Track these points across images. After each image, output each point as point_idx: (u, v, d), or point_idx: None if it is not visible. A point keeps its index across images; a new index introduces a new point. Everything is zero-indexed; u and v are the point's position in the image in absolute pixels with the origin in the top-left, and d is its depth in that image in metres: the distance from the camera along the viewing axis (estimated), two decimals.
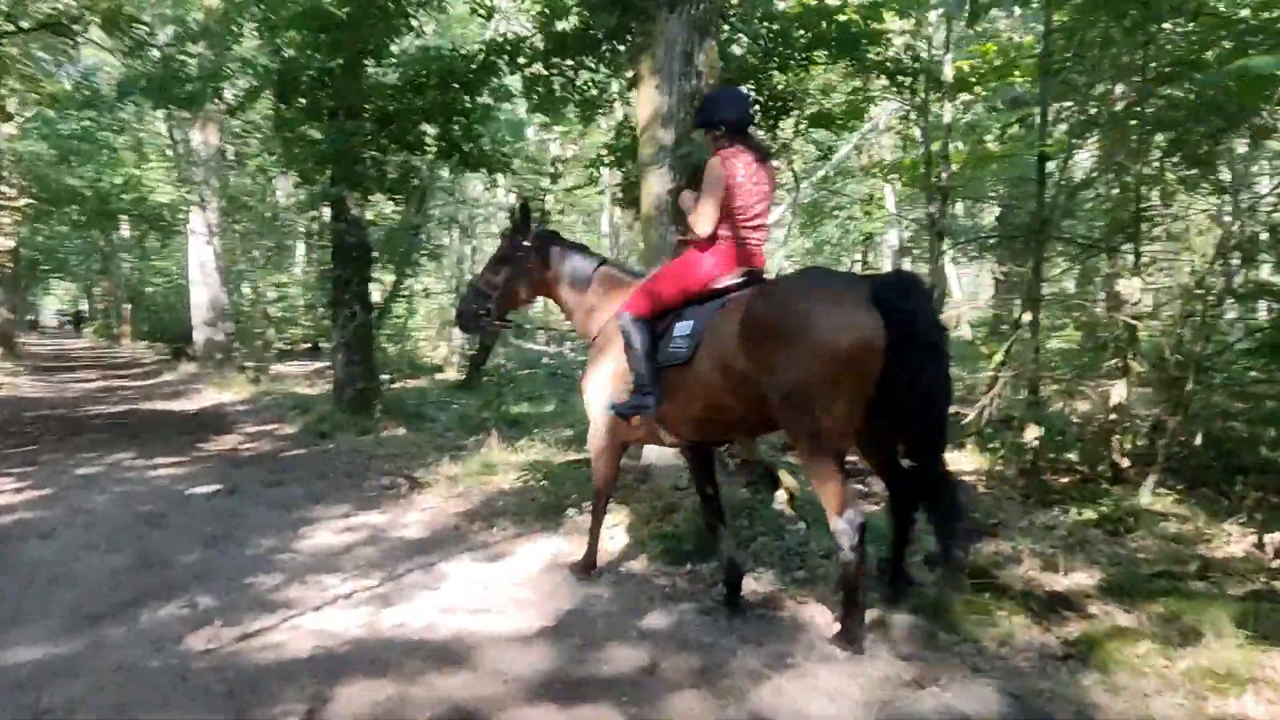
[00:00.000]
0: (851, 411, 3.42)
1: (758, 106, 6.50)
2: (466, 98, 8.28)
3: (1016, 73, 9.26)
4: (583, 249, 4.87)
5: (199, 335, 19.55)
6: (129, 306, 38.11)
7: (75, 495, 6.81)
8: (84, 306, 57.51)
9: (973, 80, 9.35)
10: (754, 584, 4.38)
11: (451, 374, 18.77)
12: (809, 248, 23.02)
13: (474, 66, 7.78)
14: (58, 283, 54.73)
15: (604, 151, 9.27)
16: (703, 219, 4.01)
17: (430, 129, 8.89)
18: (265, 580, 4.71)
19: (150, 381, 18.43)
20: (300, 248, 18.76)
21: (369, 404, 10.40)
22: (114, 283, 39.60)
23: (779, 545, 4.72)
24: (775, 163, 4.57)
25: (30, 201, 25.13)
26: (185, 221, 21.59)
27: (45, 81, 22.63)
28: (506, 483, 6.90)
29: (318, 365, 20.42)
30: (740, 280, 4.02)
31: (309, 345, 21.70)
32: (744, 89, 6.07)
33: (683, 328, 3.99)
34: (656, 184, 5.62)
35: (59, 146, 20.16)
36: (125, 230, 37.96)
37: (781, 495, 5.35)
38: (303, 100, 8.99)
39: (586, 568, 4.62)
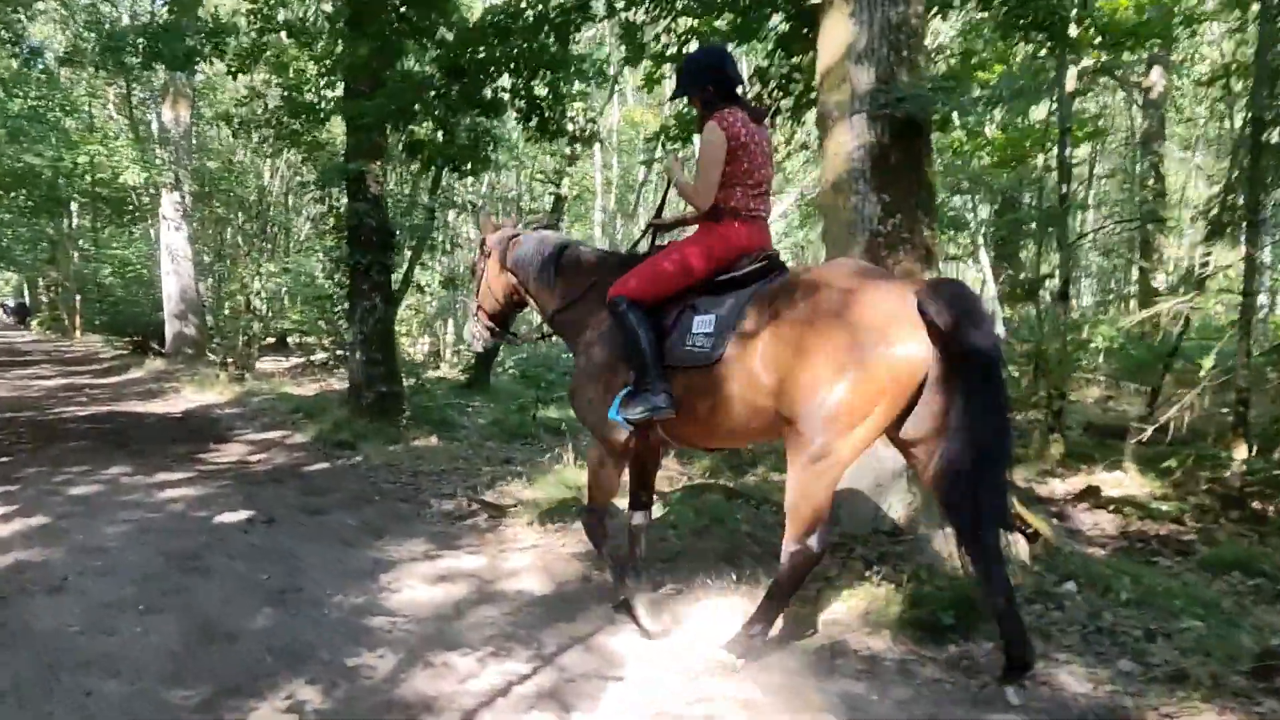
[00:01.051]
0: (873, 434, 3.13)
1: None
2: (556, 47, 7.01)
3: None
4: (546, 231, 4.39)
5: (169, 329, 18.08)
6: (79, 298, 36.08)
7: (78, 526, 5.52)
8: (26, 298, 54.83)
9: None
10: (1070, 680, 3.24)
11: (447, 371, 17.48)
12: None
13: (567, 4, 6.47)
14: None
15: (672, 123, 8.14)
16: (704, 189, 3.58)
17: (508, 85, 7.58)
18: (374, 662, 3.53)
19: (117, 379, 16.85)
20: (289, 233, 17.16)
21: (393, 409, 9.15)
22: (63, 273, 37.47)
23: (1061, 617, 3.62)
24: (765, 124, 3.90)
25: None
26: (152, 206, 20.04)
27: None
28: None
29: (294, 361, 19.00)
30: (760, 265, 3.57)
31: (273, 340, 20.14)
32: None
33: (703, 322, 3.49)
34: (848, 139, 4.50)
35: (5, 126, 18.46)
36: (75, 218, 36.19)
37: (1023, 546, 4.19)
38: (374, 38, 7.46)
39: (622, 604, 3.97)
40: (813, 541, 3.20)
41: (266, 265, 15.70)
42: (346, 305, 9.68)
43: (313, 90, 9.87)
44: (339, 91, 9.75)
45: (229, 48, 8.86)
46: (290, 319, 16.59)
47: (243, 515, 5.91)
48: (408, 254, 11.15)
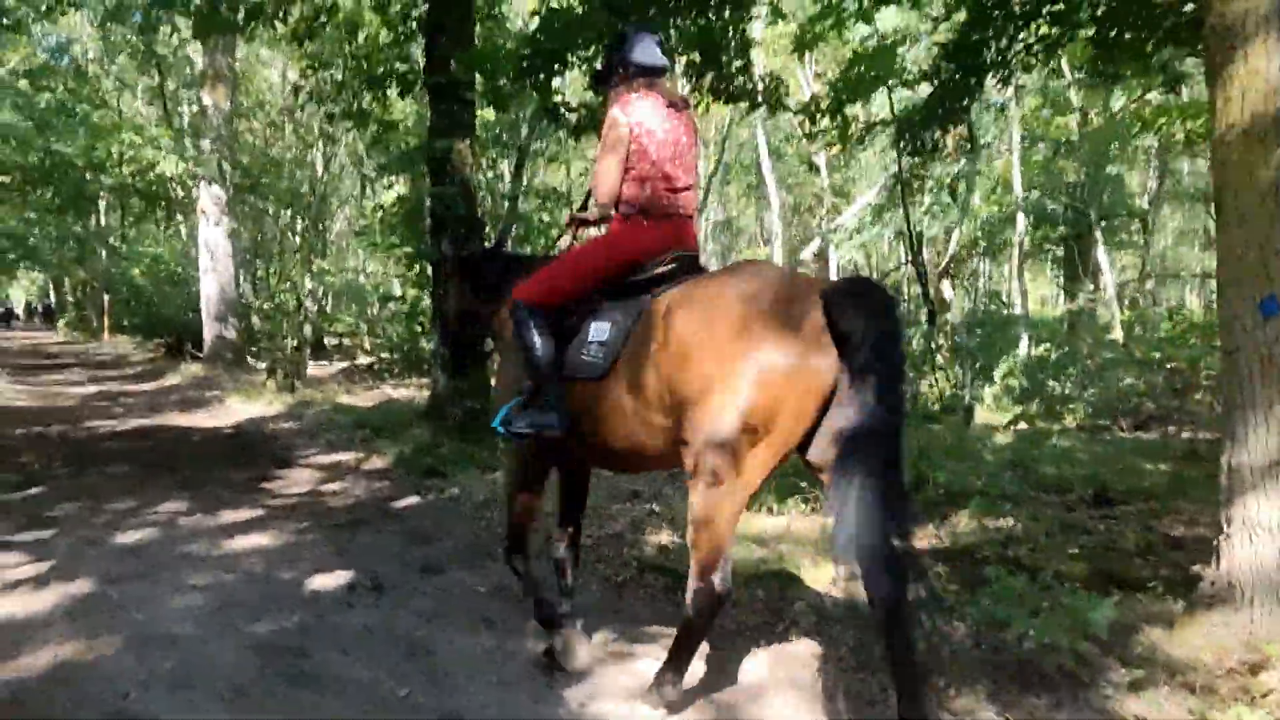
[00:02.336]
0: (776, 454, 2.81)
1: None
2: None
3: None
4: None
5: (207, 331, 16.85)
6: (108, 298, 35.13)
7: (135, 597, 4.23)
8: (52, 299, 54.06)
9: None
10: None
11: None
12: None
13: None
14: (24, 273, 51.32)
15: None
16: (602, 181, 3.33)
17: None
18: None
19: (152, 386, 15.67)
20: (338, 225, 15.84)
21: (485, 430, 7.82)
22: (91, 272, 36.56)
23: None
24: (689, 111, 3.50)
25: (2, 179, 22.31)
26: (189, 200, 18.91)
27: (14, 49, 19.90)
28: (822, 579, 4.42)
29: (337, 366, 17.77)
30: (670, 266, 3.28)
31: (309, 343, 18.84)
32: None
33: (599, 330, 3.21)
34: (1269, 63, 3.11)
35: (34, 118, 17.35)
36: (104, 215, 35.27)
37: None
38: None
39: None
40: (715, 579, 2.86)
41: (319, 262, 14.46)
42: (432, 306, 8.34)
43: (384, 62, 8.58)
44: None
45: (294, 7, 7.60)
46: (344, 320, 15.30)
47: (341, 579, 4.60)
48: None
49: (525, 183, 10.81)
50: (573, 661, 3.42)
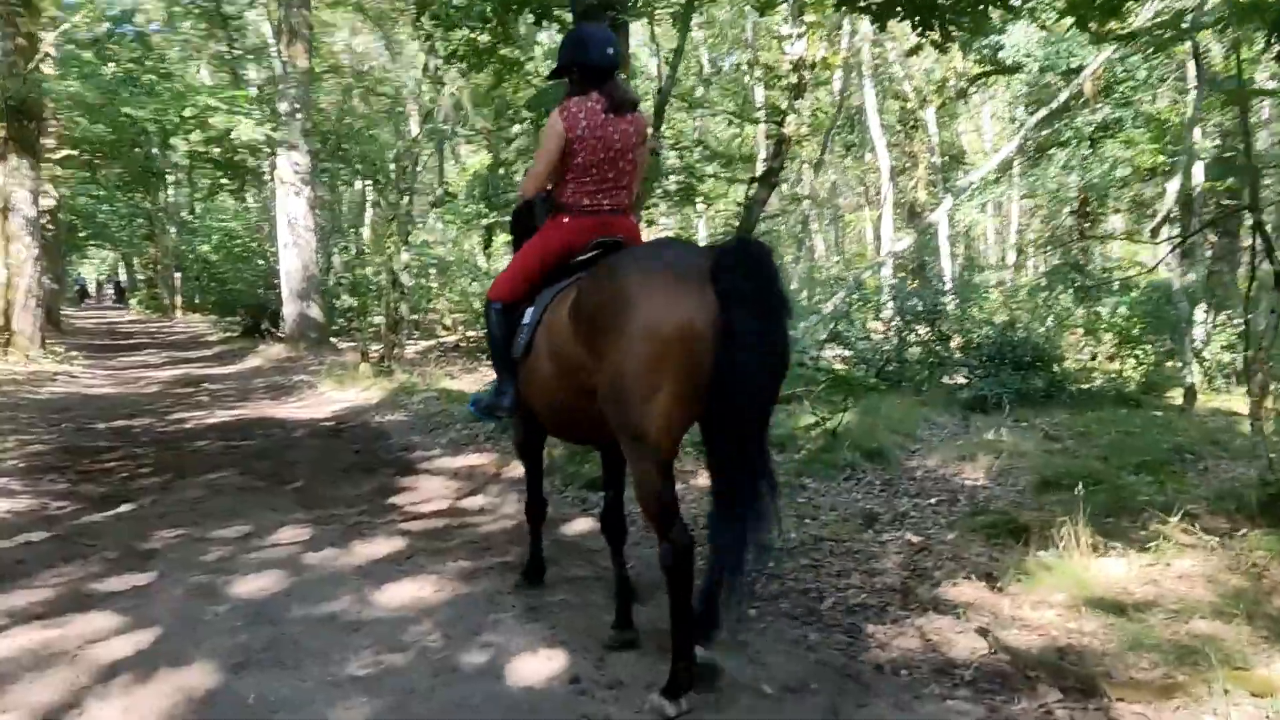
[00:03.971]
0: (675, 409, 2.81)
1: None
2: None
3: None
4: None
5: (288, 309, 15.79)
6: (179, 275, 34.63)
7: (276, 696, 2.95)
8: (123, 276, 54.22)
9: None
10: None
11: None
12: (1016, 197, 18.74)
13: None
14: (95, 250, 51.43)
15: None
16: (529, 179, 3.68)
17: None
18: None
19: (235, 368, 14.65)
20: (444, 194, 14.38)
21: None
22: (161, 249, 36.09)
23: None
24: (638, 115, 3.57)
25: (69, 153, 21.53)
26: (263, 170, 17.83)
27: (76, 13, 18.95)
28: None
29: (421, 345, 16.56)
30: (593, 254, 3.41)
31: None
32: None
33: (529, 314, 3.46)
34: None
35: (99, 89, 16.35)
36: (171, 191, 34.74)
37: None
38: None
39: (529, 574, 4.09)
40: (675, 534, 2.88)
41: (418, 233, 13.19)
42: None
43: None
44: None
45: None
46: (448, 297, 14.02)
47: (555, 664, 3.26)
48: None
49: (664, 130, 9.36)
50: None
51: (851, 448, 6.30)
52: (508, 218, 5.10)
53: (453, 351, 15.31)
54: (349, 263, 14.94)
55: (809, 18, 10.54)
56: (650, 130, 5.61)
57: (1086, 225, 18.36)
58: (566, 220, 3.50)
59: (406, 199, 11.80)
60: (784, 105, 10.55)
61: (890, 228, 21.54)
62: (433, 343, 16.79)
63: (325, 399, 10.78)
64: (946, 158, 22.95)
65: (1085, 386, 9.47)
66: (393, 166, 13.46)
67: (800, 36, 10.63)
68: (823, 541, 4.54)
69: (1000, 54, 18.78)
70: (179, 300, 34.07)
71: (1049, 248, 19.53)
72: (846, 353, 11.42)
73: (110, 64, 17.24)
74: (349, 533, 4.94)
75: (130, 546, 4.64)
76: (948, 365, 10.14)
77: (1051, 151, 17.83)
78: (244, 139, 14.18)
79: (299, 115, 14.73)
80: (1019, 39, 17.43)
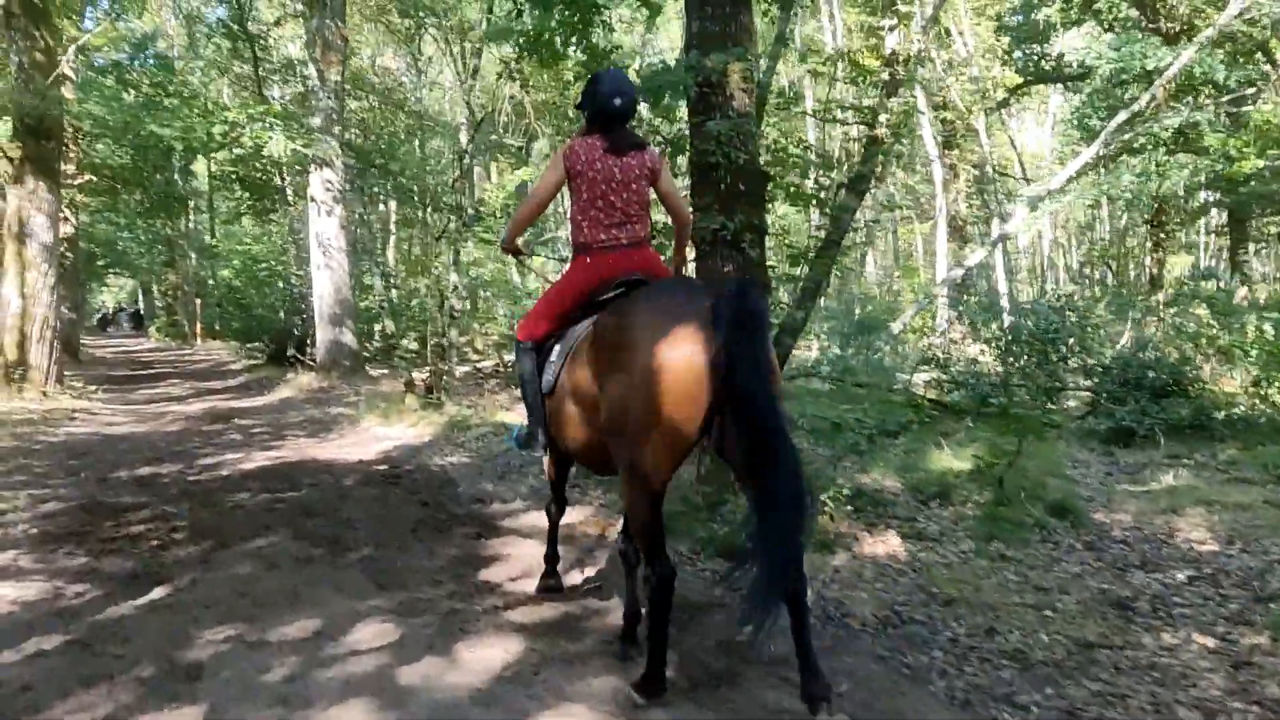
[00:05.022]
0: (668, 446, 2.92)
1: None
2: None
3: None
4: None
5: (321, 335, 14.80)
6: (199, 302, 33.84)
7: None
8: (141, 304, 53.54)
9: None
10: None
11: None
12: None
13: None
14: (113, 278, 50.79)
15: None
16: (511, 223, 4.06)
17: None
18: None
19: (265, 400, 13.64)
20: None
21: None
22: (181, 275, 35.35)
23: None
24: (645, 151, 3.69)
25: (90, 178, 20.75)
26: (290, 190, 16.92)
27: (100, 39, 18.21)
28: None
29: (459, 371, 15.49)
30: (617, 292, 3.54)
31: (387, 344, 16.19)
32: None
33: (557, 352, 3.62)
34: None
35: (123, 111, 15.49)
36: (192, 217, 34.09)
37: None
38: None
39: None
40: (660, 564, 3.03)
41: (470, 249, 12.12)
42: None
43: None
44: None
45: None
46: (496, 319, 12.94)
47: None
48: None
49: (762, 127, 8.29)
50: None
51: (1029, 499, 5.17)
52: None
53: (493, 377, 14.26)
54: (389, 285, 13.83)
55: (902, 7, 9.47)
56: (666, 160, 5.30)
57: (1162, 236, 17.17)
58: (589, 260, 3.63)
59: (456, 216, 10.76)
60: (874, 103, 9.46)
61: (944, 241, 20.45)
62: (466, 368, 15.76)
63: (370, 436, 9.72)
64: (994, 170, 21.79)
65: (1234, 415, 8.29)
66: (433, 181, 12.42)
67: (893, 29, 9.57)
68: (1095, 649, 3.40)
69: (1065, 59, 17.81)
70: (199, 327, 33.28)
71: (1112, 261, 18.32)
72: (936, 377, 10.28)
73: (131, 90, 16.49)
74: (446, 628, 3.85)
75: (169, 658, 3.55)
76: (1066, 392, 8.99)
77: (1122, 158, 16.68)
78: (275, 155, 13.19)
79: (334, 129, 13.77)
80: (1084, 43, 16.44)
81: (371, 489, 6.87)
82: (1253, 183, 14.36)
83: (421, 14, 16.86)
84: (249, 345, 20.76)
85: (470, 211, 15.12)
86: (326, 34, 14.10)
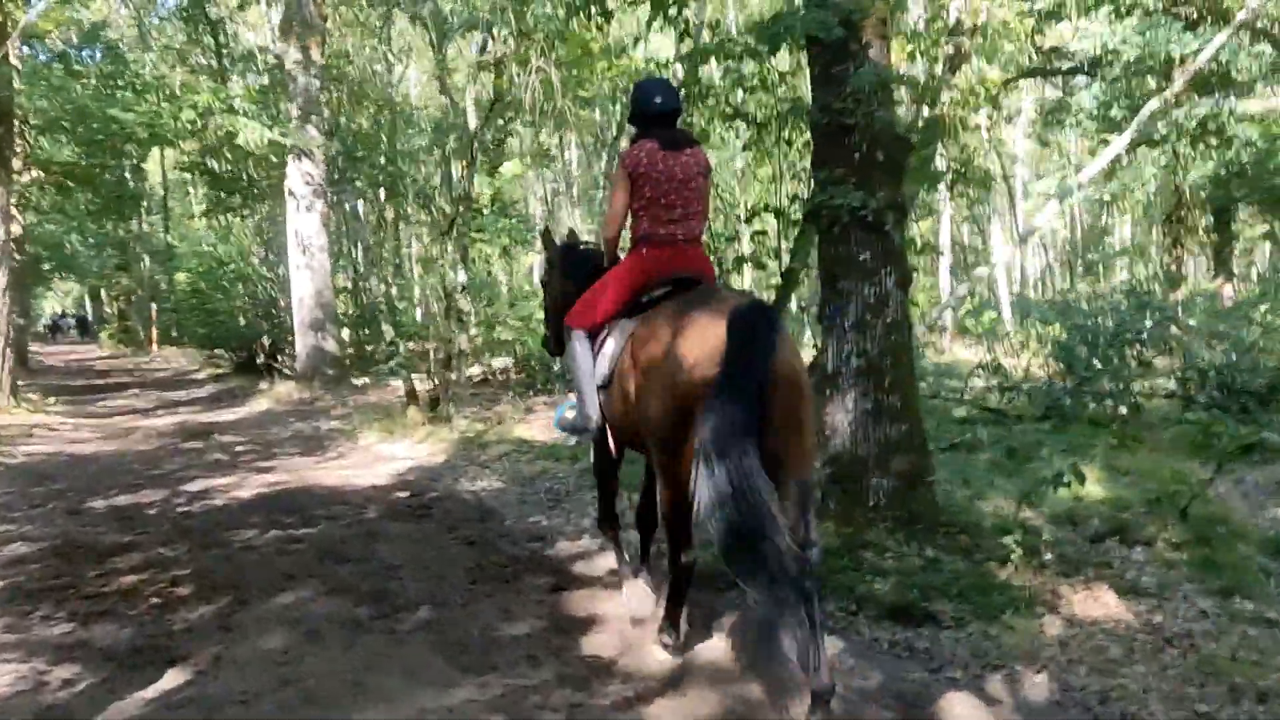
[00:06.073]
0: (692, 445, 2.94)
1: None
2: None
3: None
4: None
5: (301, 342, 13.67)
6: (155, 306, 32.23)
7: None
8: (88, 310, 51.30)
9: None
10: None
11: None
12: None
13: None
14: (59, 282, 48.53)
15: None
16: (605, 221, 4.08)
17: None
18: None
19: (242, 413, 12.47)
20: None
21: (929, 513, 4.44)
22: (136, 279, 33.66)
23: None
24: (697, 149, 3.84)
25: (38, 174, 19.32)
26: (269, 181, 15.75)
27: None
28: None
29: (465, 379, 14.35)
30: (667, 290, 3.65)
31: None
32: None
33: (610, 346, 3.72)
34: None
35: (74, 103, 14.19)
36: (144, 219, 32.54)
37: None
38: None
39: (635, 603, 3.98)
40: (683, 552, 3.30)
41: (482, 246, 11.03)
42: (822, 301, 4.84)
43: None
44: None
45: None
46: (509, 324, 11.86)
47: None
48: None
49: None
50: (634, 608, 3.85)
51: (1232, 535, 4.32)
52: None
53: (484, 385, 13.17)
54: (388, 285, 12.73)
55: None
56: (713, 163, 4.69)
57: (1181, 233, 16.63)
58: (645, 251, 3.74)
59: (461, 209, 9.72)
60: (933, 81, 8.63)
61: (947, 237, 19.83)
62: (453, 375, 14.64)
63: (374, 455, 8.67)
64: (1002, 170, 21.22)
65: None
66: (436, 172, 11.35)
67: None
68: None
69: (1077, 47, 17.19)
70: (155, 334, 31.71)
71: (1132, 257, 17.76)
72: (997, 382, 9.50)
73: (81, 81, 15.20)
74: None
75: None
76: (1153, 399, 8.24)
77: (1140, 149, 16.12)
78: (251, 145, 12.04)
79: (314, 117, 12.66)
80: (1099, 29, 15.85)
81: (401, 524, 5.84)
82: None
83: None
84: (215, 353, 19.48)
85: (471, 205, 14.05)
86: (306, 12, 12.97)
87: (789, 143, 5.94)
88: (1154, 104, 13.74)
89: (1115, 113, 16.01)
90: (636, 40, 8.91)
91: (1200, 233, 16.88)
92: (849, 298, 4.43)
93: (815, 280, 6.24)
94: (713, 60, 6.38)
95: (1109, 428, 7.64)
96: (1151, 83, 16.02)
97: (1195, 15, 15.89)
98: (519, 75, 9.21)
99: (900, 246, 4.55)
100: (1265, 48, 14.70)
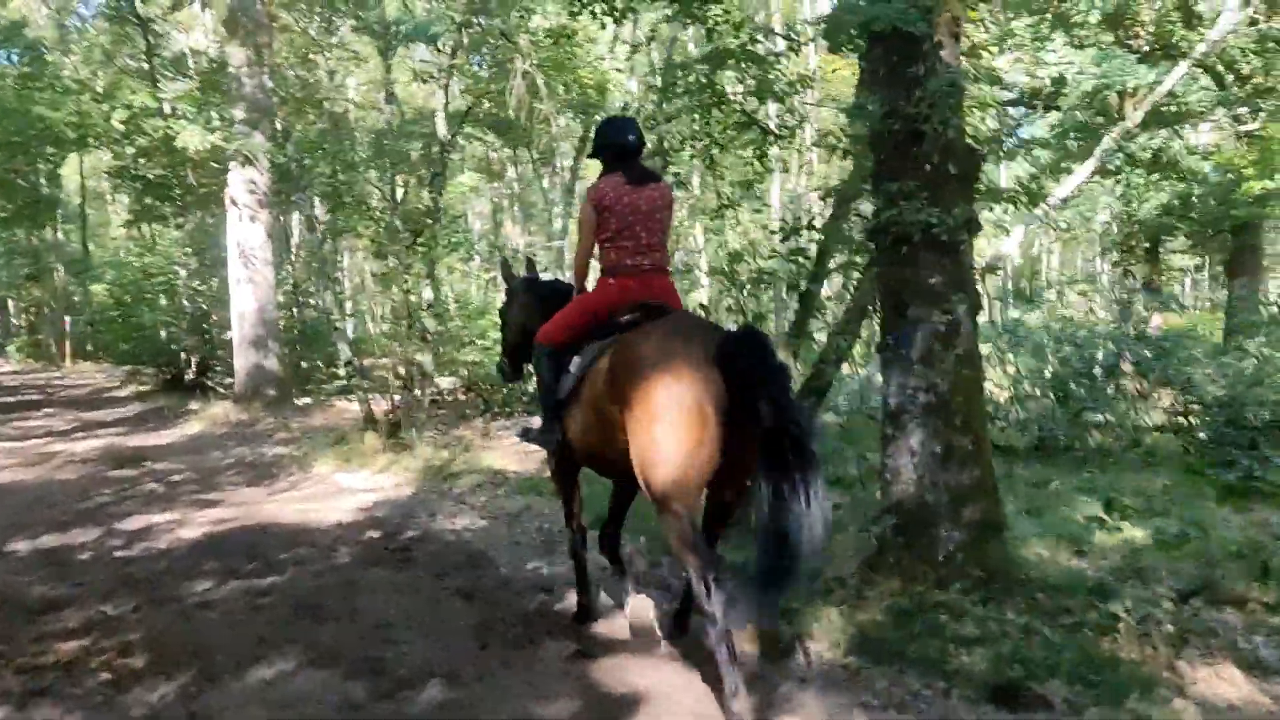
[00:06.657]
0: (687, 472, 3.10)
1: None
2: None
3: None
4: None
5: (240, 360, 12.81)
6: (68, 320, 30.51)
7: None
8: None
9: None
10: None
11: None
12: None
13: None
14: None
15: None
16: (576, 255, 4.27)
17: None
18: None
19: (174, 436, 11.53)
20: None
21: (1002, 570, 3.99)
22: (48, 291, 31.80)
23: None
24: (661, 184, 4.00)
25: None
26: (205, 188, 14.82)
27: None
28: None
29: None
30: (635, 315, 3.75)
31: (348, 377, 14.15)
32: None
33: (576, 363, 3.84)
34: None
35: None
36: (60, 227, 30.95)
37: None
38: None
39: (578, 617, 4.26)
40: (694, 579, 3.13)
41: (449, 260, 10.34)
42: (880, 321, 4.36)
43: None
44: None
45: None
46: (479, 346, 11.16)
47: None
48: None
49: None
50: (634, 623, 3.76)
51: None
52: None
53: (434, 406, 12.44)
54: (336, 301, 11.94)
55: None
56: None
57: (1132, 263, 16.78)
58: (613, 281, 3.89)
59: (430, 220, 9.07)
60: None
61: None
62: (417, 393, 13.86)
63: (333, 486, 7.93)
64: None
65: None
66: (399, 182, 10.66)
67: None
68: None
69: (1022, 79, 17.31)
70: (68, 348, 29.99)
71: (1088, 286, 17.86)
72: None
73: None
74: None
75: None
76: (1147, 432, 8.02)
77: (1095, 179, 16.22)
78: (190, 149, 11.19)
79: (261, 122, 11.86)
80: (1058, 59, 15.98)
81: (381, 570, 5.18)
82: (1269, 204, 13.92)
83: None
84: (138, 369, 18.27)
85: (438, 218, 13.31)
86: (253, 10, 12.19)
87: (848, 152, 5.45)
88: (1115, 133, 13.81)
89: (1070, 143, 16.11)
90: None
91: (1144, 263, 17.09)
92: (917, 326, 3.97)
93: (848, 307, 5.77)
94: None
95: (1112, 460, 7.39)
96: (1102, 117, 16.17)
97: (1146, 49, 16.14)
98: (507, 81, 8.65)
99: (971, 269, 4.13)
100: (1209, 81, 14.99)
